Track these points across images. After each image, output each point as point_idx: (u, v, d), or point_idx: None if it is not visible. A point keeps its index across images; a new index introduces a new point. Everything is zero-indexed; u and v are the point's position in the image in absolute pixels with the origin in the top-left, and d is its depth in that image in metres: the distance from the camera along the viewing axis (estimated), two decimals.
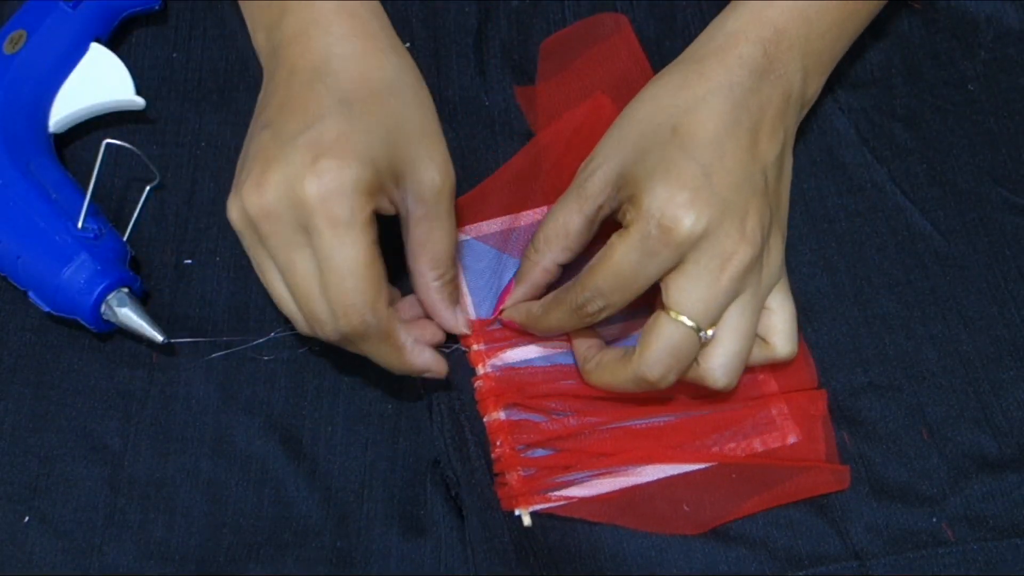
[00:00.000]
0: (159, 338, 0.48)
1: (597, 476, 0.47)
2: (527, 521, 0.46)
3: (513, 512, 0.46)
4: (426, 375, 0.46)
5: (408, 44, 0.57)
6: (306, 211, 0.41)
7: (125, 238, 0.51)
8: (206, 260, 0.52)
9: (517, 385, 0.49)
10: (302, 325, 0.44)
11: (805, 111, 0.51)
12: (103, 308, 0.48)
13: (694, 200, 0.43)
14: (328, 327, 0.43)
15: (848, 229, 0.53)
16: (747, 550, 0.46)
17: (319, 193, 0.40)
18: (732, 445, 0.47)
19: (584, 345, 0.48)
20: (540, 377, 0.49)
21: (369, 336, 0.43)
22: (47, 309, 0.48)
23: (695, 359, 0.45)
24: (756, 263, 0.44)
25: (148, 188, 0.53)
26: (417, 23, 0.58)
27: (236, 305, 0.51)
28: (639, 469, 0.47)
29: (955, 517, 0.46)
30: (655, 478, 0.47)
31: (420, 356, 0.45)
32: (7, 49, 0.52)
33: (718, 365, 0.45)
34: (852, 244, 0.52)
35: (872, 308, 0.51)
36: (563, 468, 0.47)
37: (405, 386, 0.50)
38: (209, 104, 0.56)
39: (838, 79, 0.55)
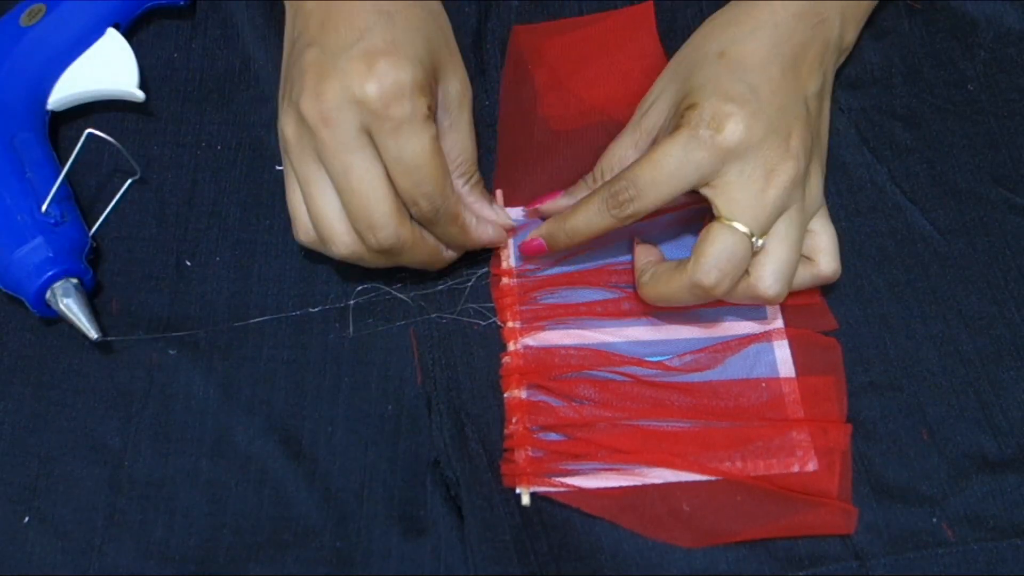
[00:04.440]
0: (93, 335, 0.48)
1: (604, 470, 0.47)
2: (526, 500, 0.46)
3: (514, 490, 0.47)
4: (490, 246, 0.51)
5: None
6: (369, 113, 0.43)
7: (93, 231, 0.51)
8: (206, 260, 0.52)
9: (543, 366, 0.49)
10: (344, 240, 0.46)
11: (842, 58, 0.53)
12: (48, 295, 0.48)
13: (742, 111, 0.45)
14: (385, 229, 0.45)
15: (848, 229, 0.53)
16: (747, 550, 0.46)
17: (380, 94, 0.43)
18: (745, 463, 0.47)
19: (643, 258, 0.50)
20: (567, 361, 0.49)
21: (439, 220, 0.46)
22: None
23: (746, 270, 0.46)
24: (800, 180, 0.46)
25: (129, 181, 0.53)
26: None
27: (236, 305, 0.51)
28: (647, 471, 0.47)
29: (955, 517, 0.46)
30: (660, 482, 0.47)
31: (485, 231, 0.49)
32: (23, 21, 0.52)
33: (769, 273, 0.46)
34: (852, 244, 0.52)
35: (872, 308, 0.51)
36: (572, 456, 0.47)
37: (405, 386, 0.50)
38: (209, 104, 0.56)
39: (838, 79, 0.55)
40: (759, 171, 0.45)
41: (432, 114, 0.45)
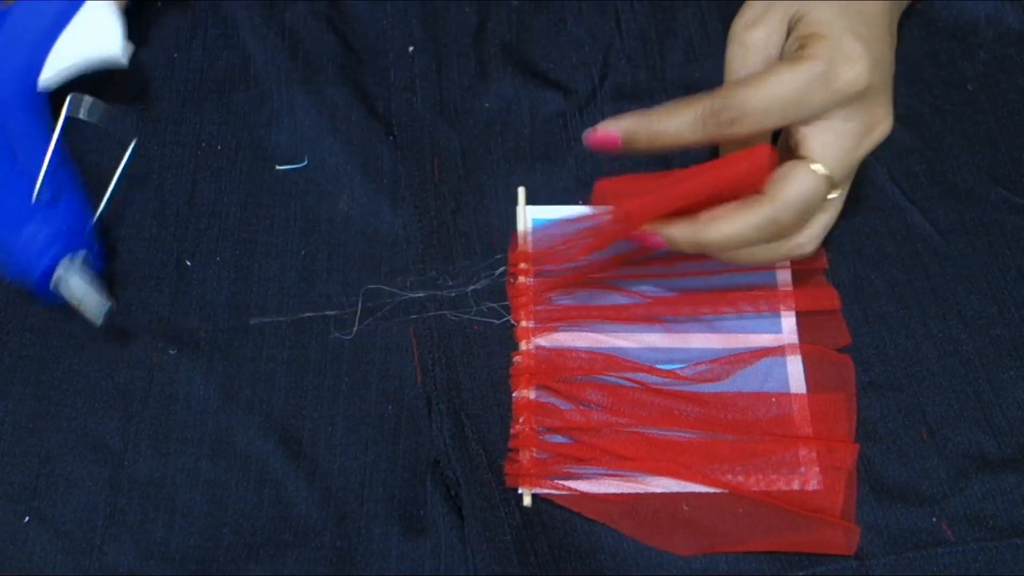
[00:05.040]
0: (105, 305, 0.47)
1: (607, 476, 0.47)
2: (527, 501, 0.46)
3: (515, 490, 0.47)
4: None
5: (410, 46, 0.57)
6: None
7: (103, 203, 0.50)
8: (206, 260, 0.52)
9: (554, 367, 0.49)
10: None
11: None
12: (54, 279, 0.47)
13: (868, 57, 0.42)
14: None
15: (848, 229, 0.53)
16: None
17: None
18: (749, 477, 0.46)
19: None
20: (578, 364, 0.49)
21: None
22: None
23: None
24: (884, 141, 0.45)
25: (131, 146, 0.51)
26: (417, 23, 0.58)
27: (236, 305, 0.51)
28: (649, 479, 0.47)
29: (955, 517, 0.46)
30: (663, 491, 0.47)
31: None
32: (2, 4, 0.51)
33: (817, 232, 0.45)
34: (852, 244, 0.52)
35: (872, 308, 0.51)
36: (576, 459, 0.47)
37: (405, 386, 0.50)
38: (209, 104, 0.56)
39: None
40: (862, 124, 0.43)
41: None
